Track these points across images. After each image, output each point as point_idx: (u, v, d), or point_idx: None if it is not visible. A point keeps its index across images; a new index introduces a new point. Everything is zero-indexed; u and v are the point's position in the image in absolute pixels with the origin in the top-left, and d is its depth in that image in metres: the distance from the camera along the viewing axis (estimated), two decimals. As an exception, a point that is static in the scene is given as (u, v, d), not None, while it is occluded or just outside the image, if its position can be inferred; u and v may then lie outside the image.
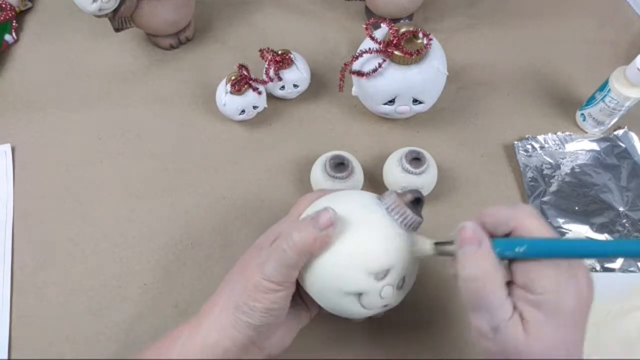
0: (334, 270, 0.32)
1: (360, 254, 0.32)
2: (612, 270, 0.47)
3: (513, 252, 0.29)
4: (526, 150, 0.54)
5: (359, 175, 0.48)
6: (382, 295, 0.33)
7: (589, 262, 0.47)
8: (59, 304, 0.46)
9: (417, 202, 0.35)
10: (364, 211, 0.33)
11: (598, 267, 0.47)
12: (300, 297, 0.38)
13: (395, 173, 0.48)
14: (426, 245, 0.33)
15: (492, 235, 0.30)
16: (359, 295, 0.33)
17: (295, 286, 0.33)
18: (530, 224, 0.30)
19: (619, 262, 0.47)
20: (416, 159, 0.48)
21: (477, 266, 0.29)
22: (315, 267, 0.33)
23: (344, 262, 0.32)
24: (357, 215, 0.33)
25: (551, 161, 0.53)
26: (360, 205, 0.34)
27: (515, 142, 0.54)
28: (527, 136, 0.55)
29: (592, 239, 0.48)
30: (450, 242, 0.31)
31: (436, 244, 0.32)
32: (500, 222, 0.30)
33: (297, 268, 0.32)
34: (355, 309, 0.34)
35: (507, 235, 0.30)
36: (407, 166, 0.47)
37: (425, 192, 0.49)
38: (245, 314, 0.32)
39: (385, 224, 0.33)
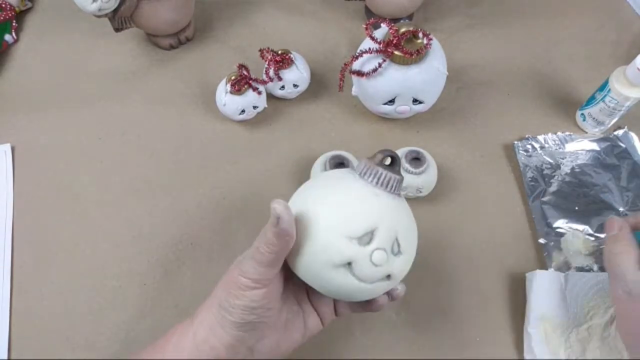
0: (317, 245, 0.31)
1: (337, 220, 0.31)
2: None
3: None
4: (526, 150, 0.54)
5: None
6: (374, 261, 0.31)
7: (588, 262, 0.47)
8: (59, 304, 0.46)
9: (392, 162, 0.34)
10: (337, 182, 0.33)
11: (595, 268, 0.47)
12: (310, 303, 0.37)
13: (395, 173, 0.48)
14: None
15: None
16: (349, 265, 0.31)
17: (280, 285, 0.33)
18: None
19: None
20: (416, 159, 0.48)
21: (617, 245, 0.38)
22: (300, 250, 0.32)
23: (323, 233, 0.31)
24: (331, 188, 0.33)
25: (551, 161, 0.53)
26: (333, 179, 0.34)
27: (515, 142, 0.54)
28: (527, 136, 0.55)
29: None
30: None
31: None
32: None
33: (273, 266, 0.31)
34: (350, 283, 0.32)
35: None
36: (407, 166, 0.47)
37: (425, 192, 0.49)
38: (227, 311, 0.32)
39: (358, 187, 0.32)
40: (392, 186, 0.33)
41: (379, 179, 0.32)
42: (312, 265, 0.32)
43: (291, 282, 0.36)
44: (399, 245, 0.32)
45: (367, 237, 0.31)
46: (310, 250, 0.31)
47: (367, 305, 0.36)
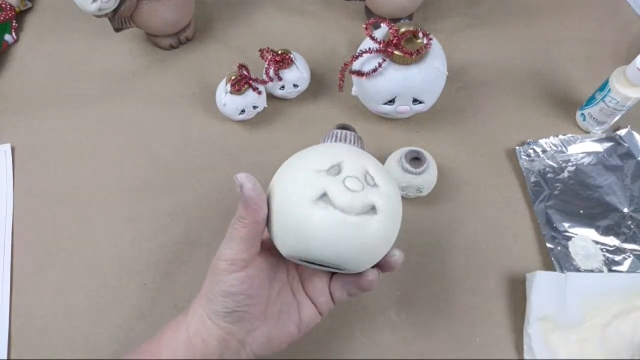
0: (289, 187, 0.32)
1: (303, 163, 0.33)
2: (619, 271, 0.46)
3: None
4: (528, 155, 0.53)
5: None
6: (348, 186, 0.31)
7: (597, 264, 0.47)
8: (58, 304, 0.46)
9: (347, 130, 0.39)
10: (303, 150, 0.36)
11: (605, 271, 0.46)
12: (306, 293, 0.37)
13: (395, 173, 0.48)
14: None
15: None
16: (326, 197, 0.31)
17: (261, 273, 0.33)
18: None
19: (626, 265, 0.47)
20: (416, 159, 0.48)
21: None
22: (273, 210, 0.32)
23: (292, 180, 0.32)
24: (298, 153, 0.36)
25: (554, 165, 0.53)
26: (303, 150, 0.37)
27: (517, 147, 0.54)
28: (528, 141, 0.54)
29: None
30: None
31: None
32: None
33: (248, 241, 0.32)
34: (334, 215, 0.30)
35: None
36: (407, 166, 0.47)
37: (425, 192, 0.49)
38: (210, 300, 0.32)
39: (318, 144, 0.37)
40: (350, 140, 0.36)
41: (335, 137, 0.37)
42: (290, 214, 0.31)
43: (285, 273, 0.36)
44: (372, 178, 0.33)
45: (335, 169, 0.32)
46: (285, 201, 0.31)
47: (359, 281, 0.34)
